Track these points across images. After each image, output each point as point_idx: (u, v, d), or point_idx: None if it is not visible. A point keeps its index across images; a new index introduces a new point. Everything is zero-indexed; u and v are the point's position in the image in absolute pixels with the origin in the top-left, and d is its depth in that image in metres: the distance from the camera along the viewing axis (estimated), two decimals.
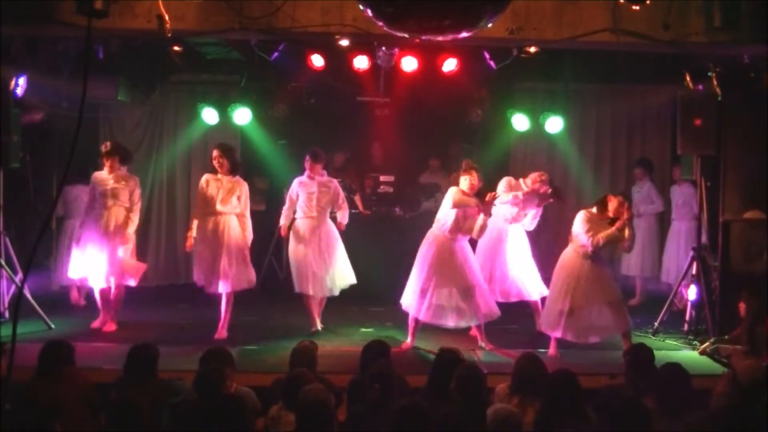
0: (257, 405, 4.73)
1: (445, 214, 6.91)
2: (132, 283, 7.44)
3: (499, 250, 7.49)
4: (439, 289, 6.81)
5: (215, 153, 7.28)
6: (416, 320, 6.96)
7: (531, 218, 7.46)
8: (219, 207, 7.13)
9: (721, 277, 7.53)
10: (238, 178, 7.30)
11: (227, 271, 7.03)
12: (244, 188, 7.29)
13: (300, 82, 9.05)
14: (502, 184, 7.34)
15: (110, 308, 7.44)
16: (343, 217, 7.65)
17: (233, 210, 7.19)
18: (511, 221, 7.47)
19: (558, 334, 6.76)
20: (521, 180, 7.48)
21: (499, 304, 7.19)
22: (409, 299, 6.94)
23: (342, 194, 7.73)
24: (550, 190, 7.29)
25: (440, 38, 3.40)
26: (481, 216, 6.79)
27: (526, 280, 7.52)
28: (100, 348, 6.79)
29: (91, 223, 7.40)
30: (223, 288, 7.05)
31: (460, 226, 6.87)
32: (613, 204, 6.73)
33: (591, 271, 6.72)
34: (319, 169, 7.52)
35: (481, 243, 7.48)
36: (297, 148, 9.62)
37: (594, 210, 6.83)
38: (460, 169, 7.02)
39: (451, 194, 6.88)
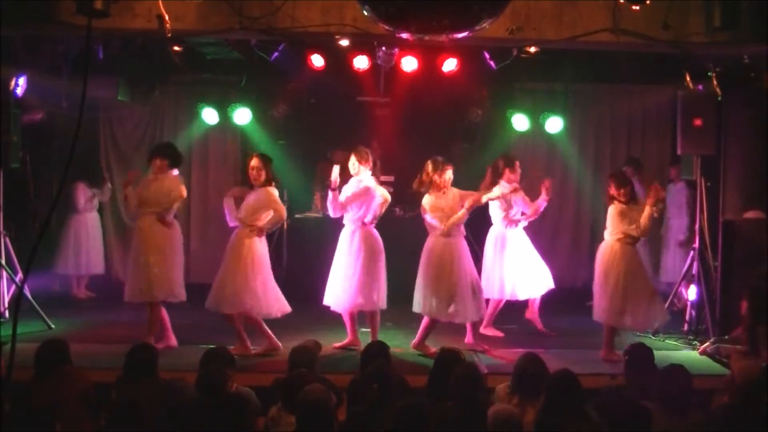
0: (257, 405, 4.73)
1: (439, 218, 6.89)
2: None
3: (503, 255, 7.59)
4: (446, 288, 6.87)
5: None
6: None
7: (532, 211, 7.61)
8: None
9: (721, 277, 7.53)
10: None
11: None
12: None
13: (300, 82, 9.04)
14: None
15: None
16: None
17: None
18: (507, 225, 7.57)
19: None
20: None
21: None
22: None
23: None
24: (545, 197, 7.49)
25: (441, 38, 3.41)
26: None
27: (521, 281, 7.59)
28: (100, 348, 6.79)
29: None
30: None
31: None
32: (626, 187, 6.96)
33: (638, 259, 7.03)
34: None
35: (487, 250, 7.66)
36: (297, 148, 9.63)
37: (620, 202, 6.93)
38: (431, 171, 6.94)
39: (430, 204, 6.89)
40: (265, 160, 6.88)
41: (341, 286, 7.01)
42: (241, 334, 6.80)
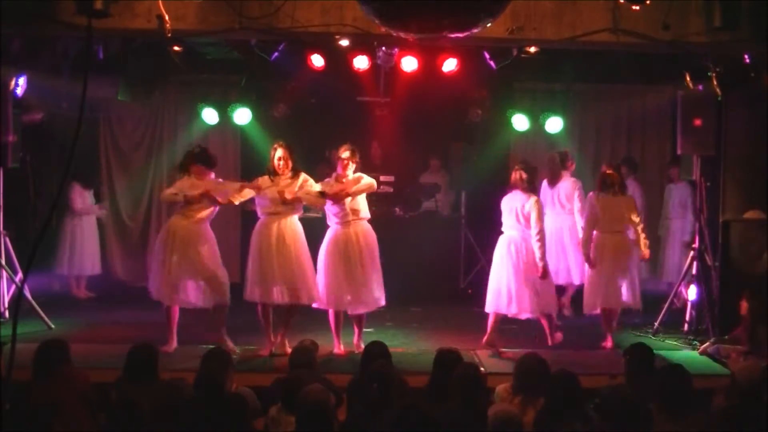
0: (257, 405, 4.73)
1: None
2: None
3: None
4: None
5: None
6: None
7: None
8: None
9: (721, 277, 7.53)
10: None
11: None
12: None
13: (300, 82, 9.04)
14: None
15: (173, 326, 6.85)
16: None
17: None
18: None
19: None
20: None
21: None
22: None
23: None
24: None
25: (441, 37, 3.41)
26: None
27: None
28: (100, 348, 6.78)
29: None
30: None
31: None
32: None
33: None
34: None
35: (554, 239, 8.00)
36: (297, 148, 9.61)
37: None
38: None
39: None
40: (291, 149, 6.91)
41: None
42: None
